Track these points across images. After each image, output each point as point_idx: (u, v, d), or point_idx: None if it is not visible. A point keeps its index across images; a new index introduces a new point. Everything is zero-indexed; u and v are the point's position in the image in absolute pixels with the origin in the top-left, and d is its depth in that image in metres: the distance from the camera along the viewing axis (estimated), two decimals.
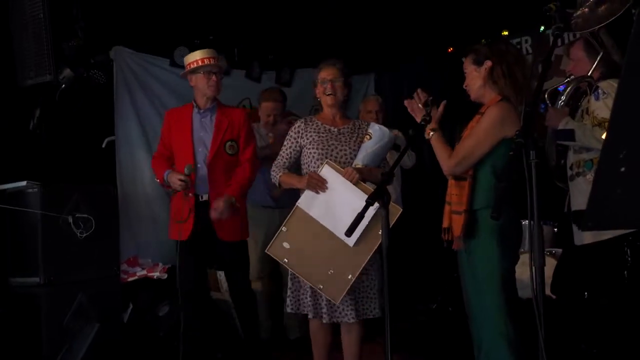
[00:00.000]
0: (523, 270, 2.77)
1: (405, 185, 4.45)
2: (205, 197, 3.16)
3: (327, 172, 2.77)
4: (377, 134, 2.80)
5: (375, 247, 2.68)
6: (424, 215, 4.75)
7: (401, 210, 2.68)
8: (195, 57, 3.21)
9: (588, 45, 2.83)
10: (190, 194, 3.12)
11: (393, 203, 2.56)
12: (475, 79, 2.43)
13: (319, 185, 2.75)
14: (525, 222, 2.65)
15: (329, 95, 2.87)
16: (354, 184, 2.72)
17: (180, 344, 3.10)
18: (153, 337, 3.55)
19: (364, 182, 2.76)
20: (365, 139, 2.83)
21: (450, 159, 2.35)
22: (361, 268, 2.70)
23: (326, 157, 2.82)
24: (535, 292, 1.64)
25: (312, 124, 2.94)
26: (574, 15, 2.11)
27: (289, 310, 2.89)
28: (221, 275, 3.73)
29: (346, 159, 2.83)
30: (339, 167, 2.78)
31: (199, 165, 3.16)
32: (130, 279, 3.68)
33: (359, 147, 2.84)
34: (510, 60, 2.35)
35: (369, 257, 2.70)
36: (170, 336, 3.40)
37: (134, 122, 4.22)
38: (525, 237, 2.69)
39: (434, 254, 4.56)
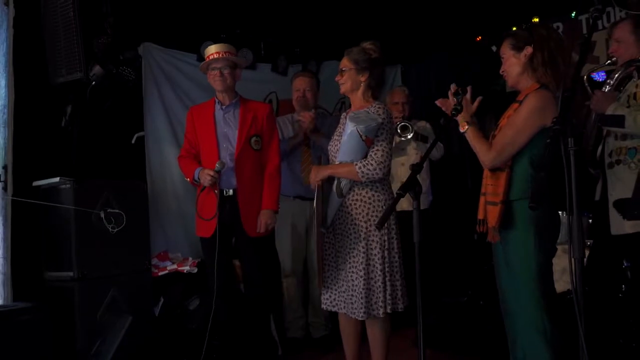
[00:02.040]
0: (557, 263, 2.71)
1: (433, 177, 4.40)
2: (230, 192, 3.20)
3: None
4: (347, 127, 2.71)
5: (316, 231, 2.76)
6: (453, 207, 4.70)
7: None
8: (207, 53, 3.26)
9: (637, 26, 2.71)
10: (215, 190, 3.15)
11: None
12: (513, 65, 2.35)
13: (312, 182, 2.85)
14: (562, 213, 2.60)
15: (341, 84, 2.85)
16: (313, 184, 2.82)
17: (207, 338, 3.13)
18: (183, 330, 3.58)
19: (337, 180, 2.78)
20: None
21: (490, 152, 2.28)
22: (315, 254, 2.77)
23: (329, 152, 2.92)
24: (575, 285, 1.59)
25: (342, 117, 2.97)
26: None
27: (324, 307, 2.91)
28: None
29: (336, 154, 2.84)
30: (317, 165, 2.98)
31: (223, 161, 3.18)
32: (160, 273, 3.72)
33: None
34: (552, 46, 2.26)
35: (314, 239, 2.74)
36: (201, 330, 3.43)
37: (162, 117, 4.25)
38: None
39: (463, 246, 4.51)
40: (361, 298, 2.69)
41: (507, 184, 2.25)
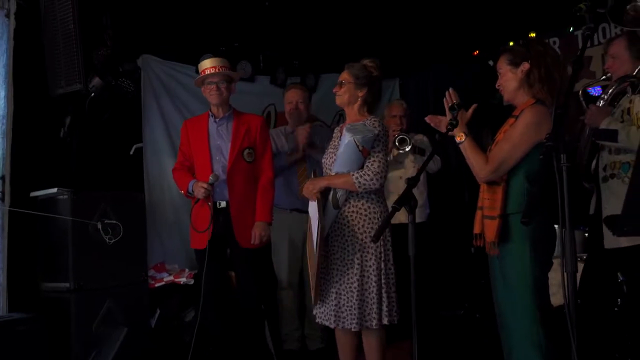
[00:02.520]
0: (553, 277, 2.72)
1: (431, 190, 4.41)
2: (223, 204, 3.23)
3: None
4: (343, 138, 2.74)
5: (316, 249, 2.71)
6: (451, 220, 4.71)
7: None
8: (201, 68, 3.28)
9: (632, 42, 2.74)
10: (209, 203, 3.18)
11: None
12: (510, 80, 2.37)
13: (307, 194, 2.84)
14: (557, 227, 2.61)
15: (338, 97, 2.89)
16: (314, 196, 2.79)
17: (192, 348, 3.13)
18: (179, 342, 3.57)
19: (332, 190, 2.79)
20: None
21: (487, 165, 2.30)
22: (314, 269, 2.72)
23: (323, 165, 2.92)
24: (567, 299, 1.60)
25: (336, 131, 2.99)
26: (627, 8, 2.01)
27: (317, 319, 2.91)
28: None
29: (331, 166, 2.85)
30: (313, 178, 2.88)
31: (215, 172, 3.20)
32: (157, 285, 3.72)
33: None
34: (548, 62, 2.28)
35: (315, 257, 2.70)
36: (196, 342, 3.42)
37: (161, 129, 4.27)
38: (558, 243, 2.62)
39: (461, 259, 4.51)
40: (354, 309, 2.70)
41: (504, 198, 2.26)
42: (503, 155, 2.27)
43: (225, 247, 3.32)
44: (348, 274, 2.74)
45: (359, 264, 2.73)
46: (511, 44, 3.98)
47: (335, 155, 2.83)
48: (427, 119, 2.46)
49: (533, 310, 2.22)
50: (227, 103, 3.35)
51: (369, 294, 2.72)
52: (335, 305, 2.77)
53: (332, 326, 2.82)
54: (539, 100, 2.29)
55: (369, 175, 2.71)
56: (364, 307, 2.71)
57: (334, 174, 2.81)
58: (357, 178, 2.72)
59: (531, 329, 2.22)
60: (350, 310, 2.72)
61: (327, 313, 2.82)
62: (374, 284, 2.72)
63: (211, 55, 4.24)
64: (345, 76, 2.87)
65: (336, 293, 2.77)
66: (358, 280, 2.71)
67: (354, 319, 2.70)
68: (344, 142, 2.70)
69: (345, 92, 2.86)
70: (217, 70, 3.25)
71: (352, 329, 2.74)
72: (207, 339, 3.30)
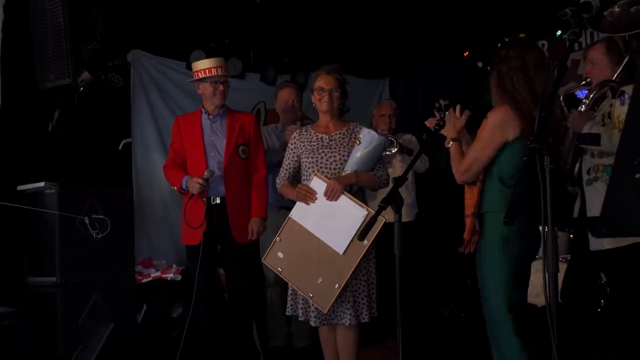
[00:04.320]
0: (537, 277, 2.76)
1: (419, 190, 4.44)
2: (217, 200, 3.25)
3: (316, 183, 2.84)
4: (366, 138, 2.79)
5: (362, 255, 2.69)
6: (439, 219, 4.74)
7: (384, 220, 2.59)
8: (203, 66, 3.26)
9: (610, 48, 2.79)
10: (203, 198, 3.18)
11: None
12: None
13: (308, 196, 2.82)
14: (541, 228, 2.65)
15: (324, 103, 2.90)
16: (338, 194, 2.77)
17: (182, 343, 3.14)
18: (166, 338, 3.57)
19: (352, 188, 2.82)
20: (355, 144, 2.85)
21: (460, 167, 2.36)
22: (348, 277, 2.70)
23: (317, 166, 2.89)
24: (548, 299, 1.63)
25: (307, 134, 2.98)
26: (604, 13, 2.03)
27: (287, 313, 2.95)
28: None
29: (336, 165, 2.87)
30: (325, 178, 2.82)
31: (212, 170, 3.20)
32: (144, 280, 3.71)
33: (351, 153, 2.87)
34: (511, 66, 2.30)
35: (356, 264, 2.70)
36: (186, 338, 3.42)
37: (150, 124, 4.26)
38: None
39: (448, 259, 4.54)
40: (348, 305, 2.75)
41: (479, 197, 2.33)
42: (472, 157, 2.34)
43: (217, 243, 3.32)
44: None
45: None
46: (499, 45, 4.02)
47: (339, 154, 2.86)
48: (427, 122, 2.49)
49: (505, 307, 2.26)
50: None
51: (361, 290, 2.79)
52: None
53: (316, 325, 2.84)
54: (510, 101, 2.32)
55: (386, 176, 2.90)
56: (357, 303, 2.77)
57: (351, 172, 2.82)
58: (379, 178, 2.87)
59: (505, 325, 2.26)
60: (343, 306, 2.77)
61: (309, 313, 2.84)
62: (363, 281, 2.79)
63: (203, 52, 4.26)
64: (335, 84, 2.91)
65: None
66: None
67: (346, 315, 2.75)
68: (373, 144, 2.78)
69: (336, 100, 2.91)
70: (223, 71, 3.26)
71: (345, 324, 2.78)
72: (195, 335, 3.30)
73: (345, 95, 2.96)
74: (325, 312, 2.76)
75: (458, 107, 2.43)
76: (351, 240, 2.69)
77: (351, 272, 2.70)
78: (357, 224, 2.69)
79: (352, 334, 2.84)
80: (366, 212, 2.68)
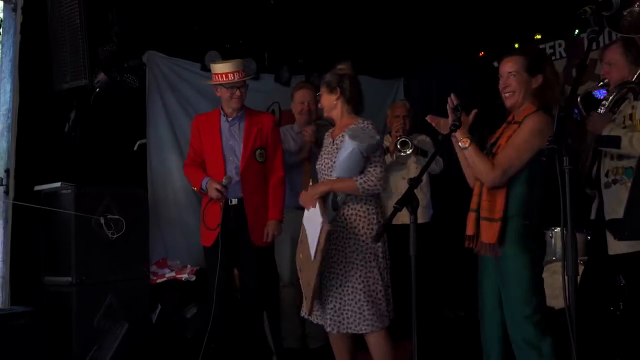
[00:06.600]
0: (556, 279, 2.72)
1: (434, 191, 4.40)
2: (235, 202, 3.28)
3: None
4: (345, 144, 2.74)
5: (320, 258, 2.67)
6: (455, 220, 4.70)
7: (328, 228, 2.64)
8: (220, 70, 3.26)
9: (627, 48, 2.73)
10: (221, 203, 3.23)
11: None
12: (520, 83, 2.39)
13: (304, 202, 2.86)
14: (559, 230, 2.61)
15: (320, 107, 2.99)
16: (313, 202, 2.80)
17: (204, 345, 3.14)
18: (180, 338, 3.58)
19: (332, 194, 2.82)
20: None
21: (494, 171, 2.32)
22: (313, 280, 2.70)
23: (319, 171, 2.94)
24: (567, 301, 1.60)
25: (326, 139, 3.03)
26: (624, 13, 1.99)
27: (302, 314, 2.95)
28: None
29: (329, 171, 2.87)
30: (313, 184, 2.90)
31: (229, 174, 3.23)
32: (159, 281, 3.72)
33: None
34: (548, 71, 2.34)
35: (317, 266, 2.68)
36: (197, 338, 3.43)
37: (165, 125, 4.27)
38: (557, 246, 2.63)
39: (464, 260, 4.50)
40: (364, 311, 2.70)
41: (505, 201, 2.30)
42: (509, 160, 2.31)
43: (234, 244, 3.32)
44: (351, 277, 2.74)
45: (362, 266, 2.74)
46: (516, 45, 3.98)
47: (331, 160, 2.85)
48: (428, 118, 2.47)
49: (531, 311, 2.25)
50: None
51: (376, 294, 2.74)
52: (336, 309, 2.75)
53: (327, 329, 2.83)
54: (541, 107, 2.32)
55: (372, 180, 2.76)
56: (374, 309, 2.71)
57: (334, 178, 2.82)
58: (361, 184, 2.75)
59: (528, 328, 2.25)
60: (357, 313, 2.71)
61: (324, 317, 2.81)
62: (380, 284, 2.74)
63: (217, 53, 4.26)
64: (322, 89, 2.95)
65: (337, 297, 2.76)
66: (363, 282, 2.72)
67: (361, 322, 2.70)
68: (348, 150, 2.71)
69: (323, 100, 2.94)
70: (240, 76, 3.26)
71: (359, 332, 2.73)
72: (210, 335, 3.30)
73: (338, 87, 2.87)
74: (306, 316, 2.86)
75: (474, 113, 2.41)
76: (316, 250, 2.70)
77: (315, 278, 2.69)
78: (317, 229, 2.73)
79: (382, 337, 2.76)
80: (320, 231, 2.66)
